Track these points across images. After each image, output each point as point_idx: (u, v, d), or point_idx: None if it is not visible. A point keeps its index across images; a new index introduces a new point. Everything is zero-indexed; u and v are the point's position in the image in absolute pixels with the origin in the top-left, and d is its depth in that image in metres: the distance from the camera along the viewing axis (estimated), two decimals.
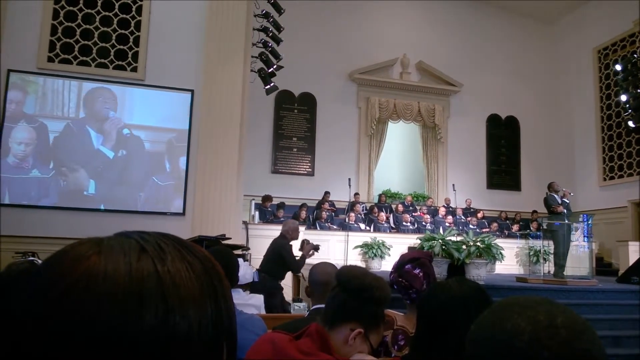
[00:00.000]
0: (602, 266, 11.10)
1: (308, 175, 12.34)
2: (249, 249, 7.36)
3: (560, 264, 7.30)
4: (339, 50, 12.74)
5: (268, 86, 8.42)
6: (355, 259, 9.49)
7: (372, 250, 9.53)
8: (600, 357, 0.60)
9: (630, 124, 11.08)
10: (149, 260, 0.42)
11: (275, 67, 8.40)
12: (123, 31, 6.92)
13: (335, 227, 10.43)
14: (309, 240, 5.70)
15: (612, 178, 12.44)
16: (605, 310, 5.94)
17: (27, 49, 6.56)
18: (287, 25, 8.74)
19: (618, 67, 11.28)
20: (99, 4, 6.88)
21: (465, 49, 13.76)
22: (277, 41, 8.42)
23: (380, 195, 12.41)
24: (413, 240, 8.72)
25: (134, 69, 6.89)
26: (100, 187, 6.60)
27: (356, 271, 1.54)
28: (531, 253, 8.92)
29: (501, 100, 13.98)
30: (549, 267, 7.82)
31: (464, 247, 6.60)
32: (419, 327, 1.41)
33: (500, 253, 6.86)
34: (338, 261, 8.37)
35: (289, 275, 6.30)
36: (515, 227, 11.77)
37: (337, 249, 9.58)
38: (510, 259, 9.62)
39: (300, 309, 5.43)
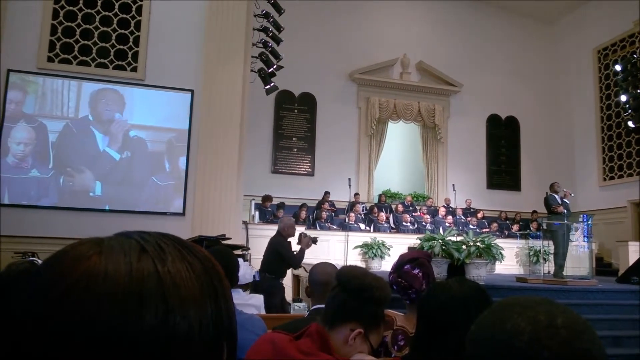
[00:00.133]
0: (602, 266, 11.10)
1: (308, 175, 12.34)
2: (249, 249, 7.37)
3: (560, 263, 7.31)
4: (339, 50, 12.74)
5: (268, 86, 8.42)
6: (355, 259, 9.49)
7: (372, 250, 9.53)
8: (600, 357, 0.60)
9: (630, 124, 11.08)
10: (149, 261, 0.42)
11: (275, 67, 8.40)
12: (123, 31, 6.93)
13: (335, 227, 10.43)
14: (306, 234, 5.70)
15: (612, 178, 12.44)
16: (605, 310, 5.94)
17: (27, 48, 6.56)
18: (287, 25, 8.74)
19: (618, 68, 11.28)
20: (99, 3, 6.88)
21: (465, 49, 13.76)
22: (277, 41, 8.42)
23: (380, 196, 12.41)
24: (413, 240, 8.72)
25: (134, 69, 6.90)
26: (106, 188, 6.61)
27: (356, 271, 1.54)
28: (531, 253, 8.92)
29: (501, 101, 13.98)
30: (549, 267, 7.82)
31: (463, 247, 6.60)
32: (419, 327, 1.41)
33: (500, 253, 6.86)
34: (338, 261, 8.37)
35: (289, 276, 6.31)
36: (515, 227, 11.77)
37: (337, 249, 9.58)
38: (510, 259, 9.61)
39: (300, 309, 5.43)
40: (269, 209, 10.17)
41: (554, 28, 14.61)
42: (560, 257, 7.35)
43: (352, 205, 10.91)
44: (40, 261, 2.13)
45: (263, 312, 3.41)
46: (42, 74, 6.60)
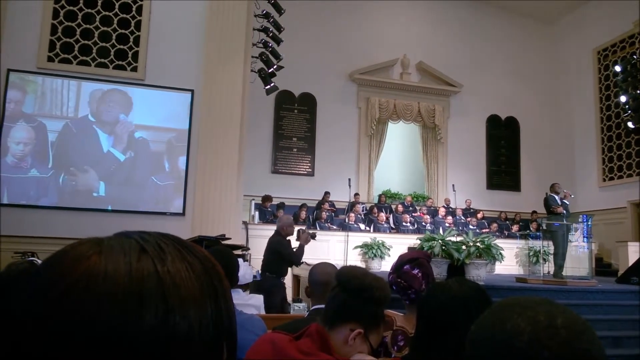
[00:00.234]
0: (602, 267, 11.11)
1: (308, 175, 12.34)
2: (248, 249, 7.37)
3: (559, 264, 7.32)
4: (339, 50, 12.74)
5: (268, 86, 8.42)
6: (355, 259, 9.49)
7: (371, 250, 9.53)
8: (600, 357, 0.60)
9: (630, 124, 11.08)
10: (149, 261, 0.42)
11: (275, 67, 8.41)
12: (123, 31, 6.92)
13: (335, 227, 10.43)
14: (304, 229, 5.71)
15: (611, 179, 12.45)
16: (605, 310, 5.94)
17: (27, 48, 6.56)
18: (287, 26, 8.74)
19: (618, 68, 11.29)
20: (99, 3, 6.88)
21: (465, 49, 13.77)
22: (278, 41, 8.42)
23: (380, 196, 12.41)
24: (413, 240, 8.72)
25: (134, 69, 6.89)
26: (110, 188, 6.61)
27: (356, 271, 1.54)
28: (531, 253, 8.92)
29: (501, 101, 13.98)
30: (548, 267, 7.83)
31: (463, 247, 6.61)
32: (419, 328, 1.41)
33: (500, 253, 6.86)
34: (338, 261, 8.37)
35: (289, 276, 6.30)
36: (515, 228, 11.77)
37: (336, 249, 9.58)
38: (510, 260, 9.61)
39: (300, 309, 5.44)
40: (269, 209, 10.17)
41: (554, 28, 14.61)
42: (559, 257, 7.36)
43: (352, 206, 10.91)
44: (39, 261, 2.13)
45: (263, 312, 3.41)
46: (42, 73, 6.60)
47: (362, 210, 11.39)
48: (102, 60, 6.85)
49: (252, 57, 7.93)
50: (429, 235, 7.25)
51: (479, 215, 11.97)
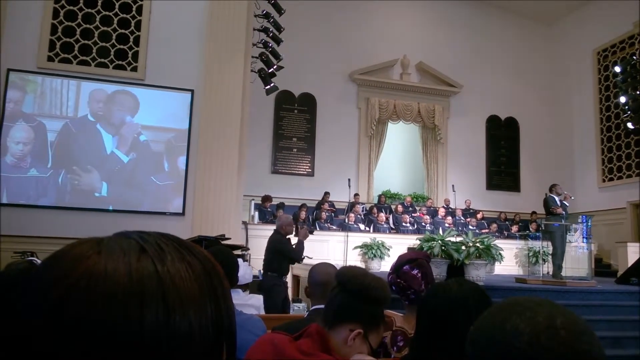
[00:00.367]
0: (601, 267, 11.11)
1: (308, 175, 12.34)
2: (248, 249, 7.37)
3: (558, 264, 7.32)
4: (339, 50, 12.75)
5: (268, 86, 8.42)
6: (354, 260, 9.49)
7: (371, 250, 9.53)
8: (599, 357, 0.60)
9: (630, 125, 11.08)
10: (148, 261, 0.42)
11: (275, 67, 8.41)
12: (123, 31, 6.92)
13: (334, 227, 10.44)
14: (303, 225, 5.73)
15: (611, 179, 12.45)
16: (604, 311, 5.95)
17: (27, 48, 6.55)
18: (287, 26, 8.74)
19: (618, 69, 11.29)
20: (99, 3, 6.88)
21: (465, 49, 13.77)
22: (278, 41, 8.42)
23: (379, 196, 12.41)
24: (412, 241, 8.72)
25: (134, 69, 6.89)
26: (112, 189, 6.61)
27: (356, 271, 1.54)
28: (530, 254, 8.93)
29: (501, 101, 13.99)
30: (548, 268, 7.83)
31: (463, 247, 6.61)
32: (419, 328, 1.41)
33: (500, 254, 6.87)
34: (338, 262, 8.38)
35: (288, 276, 6.30)
36: (514, 228, 11.77)
37: (336, 249, 9.58)
38: (509, 260, 9.62)
39: (299, 309, 5.44)
40: (269, 209, 10.17)
41: (554, 29, 14.62)
42: (558, 257, 7.36)
43: (351, 206, 10.91)
44: (39, 261, 2.13)
45: (262, 312, 3.41)
46: (42, 73, 6.59)
47: (362, 211, 11.40)
48: (102, 60, 6.84)
49: (252, 57, 7.93)
50: (428, 235, 7.25)
51: (479, 216, 11.97)
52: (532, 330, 0.60)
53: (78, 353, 0.37)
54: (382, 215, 11.00)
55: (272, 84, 8.42)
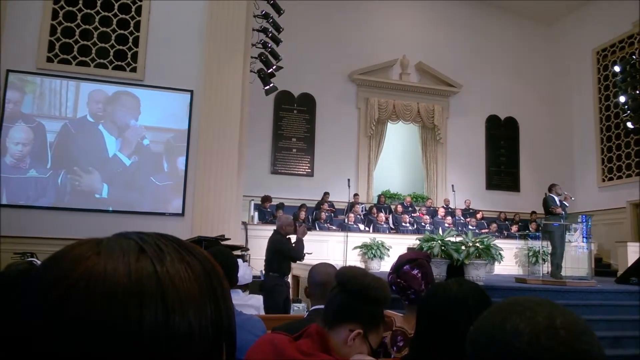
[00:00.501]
0: (601, 267, 11.11)
1: (307, 175, 12.34)
2: (248, 249, 7.38)
3: (557, 264, 7.33)
4: (338, 50, 12.75)
5: (267, 87, 8.42)
6: (354, 260, 9.49)
7: (371, 251, 9.53)
8: (599, 357, 0.60)
9: (629, 125, 11.09)
10: (147, 261, 0.42)
11: (274, 67, 8.41)
12: (122, 31, 6.92)
13: (334, 227, 10.43)
14: (301, 223, 5.74)
15: (611, 179, 12.46)
16: (604, 311, 5.95)
17: (27, 49, 6.55)
18: (286, 26, 8.74)
19: (617, 69, 11.30)
20: (99, 4, 6.87)
21: (464, 49, 13.78)
22: (277, 42, 8.42)
23: (379, 196, 12.41)
24: (412, 241, 8.72)
25: (133, 70, 6.89)
26: (113, 191, 6.61)
27: (356, 271, 1.54)
28: (530, 254, 8.93)
29: (500, 101, 13.99)
30: (547, 267, 7.83)
31: (463, 247, 6.61)
32: (419, 328, 1.41)
33: (500, 254, 6.87)
34: (337, 262, 8.38)
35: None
36: (514, 228, 11.77)
37: (336, 249, 9.59)
38: (509, 260, 9.62)
39: (299, 309, 5.45)
40: (269, 210, 10.17)
41: (553, 29, 14.62)
42: (557, 257, 7.36)
43: (351, 206, 10.92)
44: (38, 261, 2.13)
45: (262, 312, 3.41)
46: (41, 74, 6.59)
47: (362, 211, 11.40)
48: (102, 60, 6.84)
49: (252, 57, 7.93)
50: (428, 235, 7.25)
51: (479, 216, 11.98)
52: (532, 330, 0.60)
53: (78, 353, 0.37)
54: (382, 216, 11.00)
55: (271, 84, 8.42)
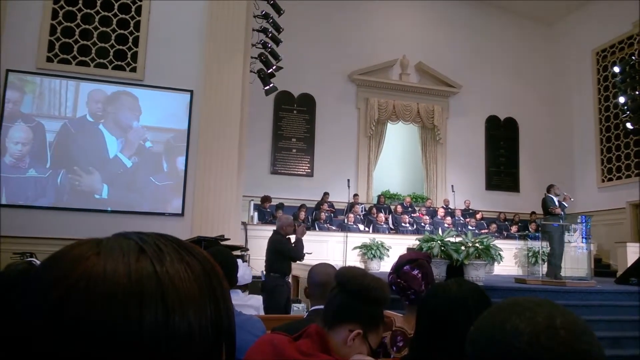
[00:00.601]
0: (601, 267, 11.12)
1: (307, 176, 12.35)
2: (248, 249, 7.37)
3: (556, 264, 7.33)
4: (338, 51, 12.75)
5: (267, 87, 8.42)
6: (354, 260, 9.49)
7: (371, 251, 9.53)
8: (599, 358, 0.60)
9: (629, 125, 11.10)
10: (147, 261, 0.42)
11: (274, 67, 8.41)
12: (122, 31, 6.92)
13: (334, 228, 10.43)
14: (299, 223, 5.74)
15: (610, 179, 12.46)
16: (604, 311, 5.95)
17: (26, 49, 6.55)
18: (286, 26, 8.74)
19: (617, 69, 11.30)
20: (98, 4, 6.87)
21: (464, 50, 13.78)
22: (277, 42, 8.42)
23: (379, 196, 12.42)
24: (412, 241, 8.72)
25: (133, 69, 6.89)
26: (113, 192, 6.60)
27: (355, 272, 1.54)
28: (530, 254, 8.93)
29: (500, 102, 14.00)
30: (547, 268, 7.83)
31: (462, 248, 6.61)
32: (419, 328, 1.41)
33: (499, 254, 6.88)
34: (337, 262, 8.38)
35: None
36: (514, 228, 11.77)
37: (336, 250, 9.59)
38: (509, 260, 9.63)
39: (299, 309, 5.45)
40: (268, 210, 10.17)
41: (553, 29, 14.63)
42: (557, 258, 7.36)
43: (351, 206, 10.92)
44: (38, 261, 2.13)
45: (262, 313, 3.41)
46: (41, 74, 6.59)
47: (361, 211, 11.40)
48: (101, 60, 6.84)
49: (252, 57, 7.93)
50: (428, 236, 7.26)
51: (478, 216, 11.98)
52: (532, 330, 0.60)
53: (78, 353, 0.37)
54: (382, 216, 11.00)
55: (271, 85, 8.42)
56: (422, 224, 11.04)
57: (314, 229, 9.93)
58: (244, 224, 8.98)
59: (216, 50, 6.91)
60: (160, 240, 0.45)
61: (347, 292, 1.46)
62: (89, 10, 6.85)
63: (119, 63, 6.88)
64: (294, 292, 7.33)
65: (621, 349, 5.29)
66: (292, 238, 5.58)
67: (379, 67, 13.09)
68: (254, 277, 5.29)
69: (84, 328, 0.37)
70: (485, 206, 12.98)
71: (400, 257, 2.20)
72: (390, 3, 13.29)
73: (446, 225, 10.91)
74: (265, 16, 8.25)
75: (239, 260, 3.05)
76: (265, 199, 10.31)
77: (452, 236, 7.26)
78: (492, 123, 14.01)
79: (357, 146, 12.85)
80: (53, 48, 6.67)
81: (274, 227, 5.83)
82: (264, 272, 5.67)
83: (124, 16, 6.94)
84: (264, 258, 5.68)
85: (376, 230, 10.61)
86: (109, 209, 6.60)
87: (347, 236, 9.69)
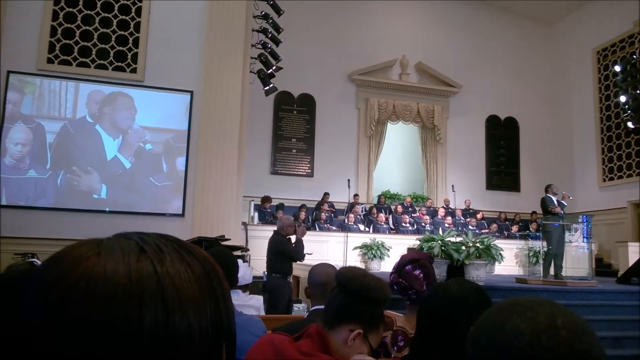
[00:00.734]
0: (602, 267, 11.11)
1: (307, 176, 12.34)
2: (248, 250, 7.37)
3: (556, 263, 7.32)
4: (338, 51, 12.75)
5: (267, 87, 8.42)
6: (354, 260, 9.49)
7: (371, 251, 9.53)
8: (600, 357, 0.60)
9: (630, 125, 11.09)
10: (148, 262, 0.42)
11: (274, 68, 8.41)
12: (122, 32, 6.93)
13: (334, 228, 10.43)
14: (300, 223, 5.74)
15: (611, 179, 12.45)
16: (605, 311, 5.94)
17: (27, 50, 6.56)
18: (286, 26, 8.74)
19: (617, 68, 11.29)
20: (99, 5, 6.88)
21: (464, 49, 13.77)
22: (276, 42, 8.42)
23: (379, 196, 12.41)
24: (412, 241, 8.72)
25: (134, 70, 6.90)
26: (111, 192, 6.61)
27: (356, 272, 1.54)
28: (530, 254, 8.93)
29: (500, 101, 13.99)
30: (543, 267, 7.83)
31: (463, 248, 6.61)
32: (419, 328, 1.41)
33: (500, 254, 6.86)
34: (337, 262, 8.38)
35: None
36: (514, 228, 11.77)
37: (336, 250, 9.58)
38: (509, 260, 9.61)
39: (299, 309, 5.45)
40: (269, 210, 10.17)
41: (553, 28, 14.62)
42: (557, 258, 7.35)
43: (351, 206, 10.91)
44: (39, 262, 2.13)
45: (262, 313, 3.40)
46: (42, 75, 6.60)
47: (362, 211, 11.40)
48: (102, 61, 6.85)
49: (251, 58, 7.93)
50: (428, 235, 7.25)
51: (479, 216, 11.97)
52: (533, 330, 0.60)
53: (78, 353, 0.37)
54: (382, 216, 11.00)
55: (271, 85, 8.43)
56: (423, 224, 11.04)
57: (314, 229, 9.93)
58: (244, 224, 8.98)
59: (216, 50, 6.91)
60: (161, 241, 0.45)
61: (348, 292, 1.46)
62: (89, 12, 6.86)
63: (119, 64, 6.88)
64: (295, 292, 7.33)
65: (622, 349, 5.29)
66: (293, 238, 5.58)
67: (378, 67, 13.09)
68: (254, 277, 5.29)
69: (84, 328, 0.37)
70: (485, 206, 12.97)
71: (402, 257, 2.21)
72: (390, 3, 13.29)
73: (447, 225, 10.91)
74: (265, 16, 8.26)
75: (240, 261, 3.05)
76: (266, 199, 10.32)
77: (453, 236, 7.26)
78: (493, 123, 14.00)
79: (357, 146, 12.85)
80: (53, 49, 6.68)
81: (274, 228, 5.83)
82: (266, 273, 5.68)
83: (124, 17, 6.95)
84: (265, 258, 5.69)
85: (376, 231, 10.61)
86: (107, 209, 6.60)
87: (347, 236, 9.69)
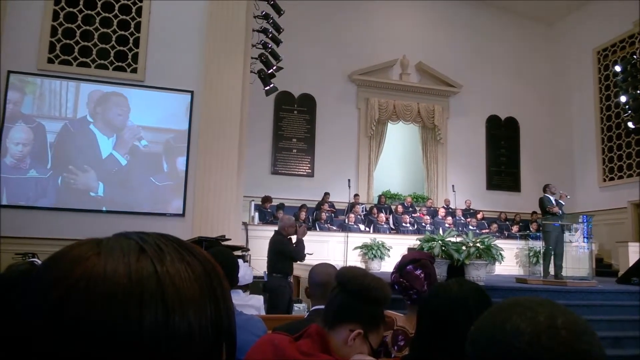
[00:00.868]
0: (602, 267, 11.10)
1: (308, 176, 12.34)
2: (248, 249, 7.38)
3: (556, 263, 7.32)
4: (338, 51, 12.75)
5: (268, 87, 8.42)
6: (354, 260, 9.49)
7: (371, 251, 9.53)
8: (600, 357, 0.60)
9: (630, 125, 11.08)
10: (148, 261, 0.42)
11: (274, 68, 8.41)
12: (123, 32, 6.93)
13: (334, 228, 10.43)
14: (301, 223, 5.75)
15: (612, 179, 12.45)
16: (605, 311, 5.94)
17: (27, 50, 6.56)
18: (286, 26, 8.74)
19: (618, 68, 11.28)
20: (99, 5, 6.88)
21: (464, 49, 13.77)
22: (277, 42, 8.42)
23: (379, 196, 12.41)
24: (413, 241, 8.72)
25: (134, 70, 6.90)
26: (108, 189, 6.61)
27: (356, 272, 1.54)
28: (531, 254, 8.92)
29: (501, 101, 13.98)
30: (549, 268, 7.82)
31: (463, 248, 6.60)
32: (420, 328, 1.41)
33: (500, 254, 6.86)
34: (338, 262, 8.38)
35: None
36: (515, 228, 11.77)
37: (336, 250, 9.58)
38: (509, 260, 9.60)
39: (300, 309, 5.45)
40: (269, 210, 10.17)
41: (553, 28, 14.62)
42: (557, 258, 7.35)
43: (351, 206, 10.91)
44: (40, 262, 2.13)
45: (263, 313, 3.41)
46: (42, 75, 6.60)
47: (362, 211, 11.39)
48: (102, 61, 6.85)
49: (252, 58, 7.94)
50: (428, 235, 7.25)
51: (479, 216, 11.97)
52: (533, 330, 0.60)
53: (78, 353, 0.37)
54: (382, 216, 11.00)
55: (271, 85, 8.43)
56: (423, 224, 11.04)
57: (315, 229, 9.93)
58: (244, 224, 8.98)
59: (216, 50, 6.91)
60: (161, 240, 0.45)
61: (348, 292, 1.46)
62: (89, 12, 6.86)
63: (120, 64, 6.88)
64: (295, 292, 7.33)
65: (622, 349, 5.28)
66: (293, 238, 5.59)
67: (379, 67, 13.08)
68: (255, 277, 5.29)
69: (84, 328, 0.37)
70: (486, 206, 12.97)
71: (404, 257, 2.21)
72: (390, 3, 13.29)
73: (447, 225, 10.91)
74: (265, 16, 8.26)
75: (240, 261, 3.05)
76: (266, 199, 10.32)
77: (453, 236, 7.25)
78: (493, 123, 14.00)
79: (357, 146, 12.85)
80: (54, 49, 6.68)
81: (275, 228, 5.83)
82: (266, 273, 5.69)
83: (124, 17, 6.95)
84: (265, 258, 5.69)
85: (377, 231, 10.60)
86: (104, 208, 6.60)
87: (347, 236, 9.68)
